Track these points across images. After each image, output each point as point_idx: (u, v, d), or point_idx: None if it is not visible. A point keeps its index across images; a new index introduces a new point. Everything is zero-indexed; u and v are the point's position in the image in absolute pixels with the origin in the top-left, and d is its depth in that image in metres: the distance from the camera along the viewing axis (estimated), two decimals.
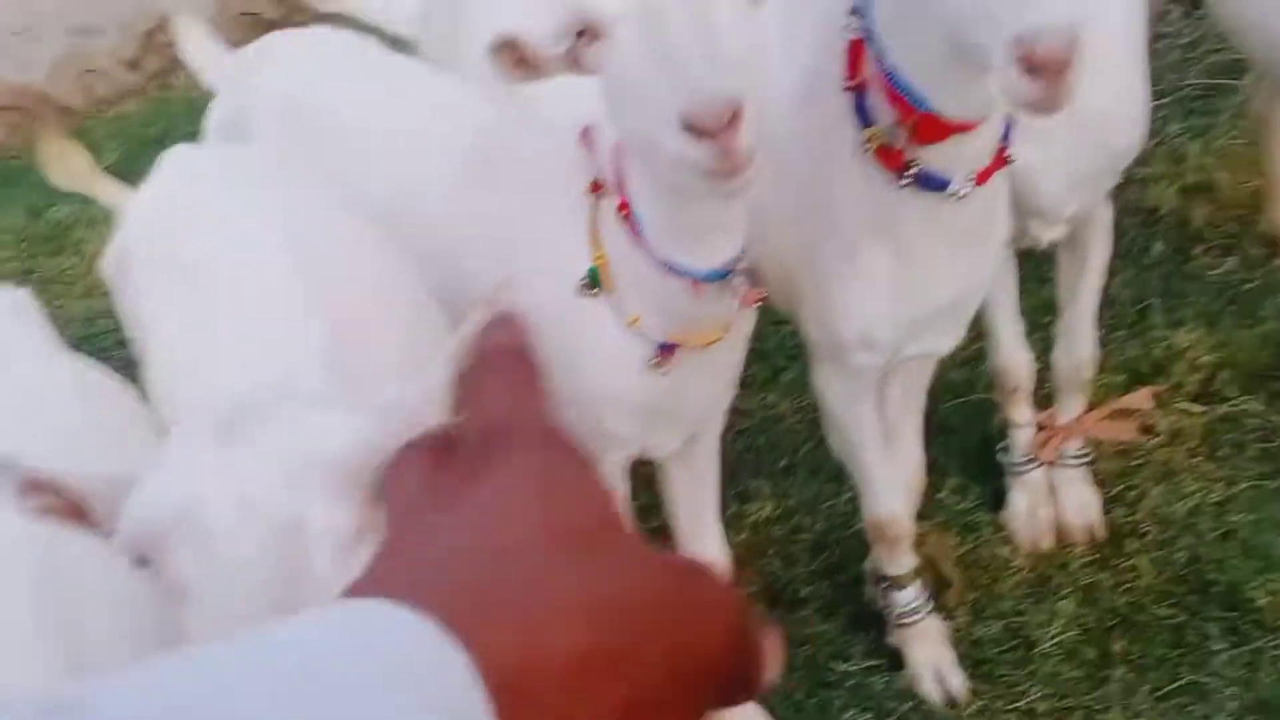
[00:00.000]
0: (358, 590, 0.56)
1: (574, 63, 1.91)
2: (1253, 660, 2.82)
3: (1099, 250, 2.90)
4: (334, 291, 2.05)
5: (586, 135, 2.17)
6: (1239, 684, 2.78)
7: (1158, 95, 4.13)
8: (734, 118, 1.72)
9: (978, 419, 3.38)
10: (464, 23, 2.76)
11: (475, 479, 0.60)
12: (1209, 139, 4.09)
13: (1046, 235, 2.73)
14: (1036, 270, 3.36)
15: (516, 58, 1.93)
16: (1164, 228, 3.86)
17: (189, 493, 1.39)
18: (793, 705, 2.89)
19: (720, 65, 1.76)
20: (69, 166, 2.88)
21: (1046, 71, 1.64)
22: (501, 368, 0.69)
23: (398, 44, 3.06)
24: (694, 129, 1.73)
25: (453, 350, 1.49)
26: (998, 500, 3.23)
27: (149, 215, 2.41)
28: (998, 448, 3.22)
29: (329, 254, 2.17)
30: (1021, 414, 3.09)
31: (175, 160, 2.49)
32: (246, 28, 5.31)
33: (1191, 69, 4.39)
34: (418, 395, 1.48)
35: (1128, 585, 3.02)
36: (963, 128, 2.01)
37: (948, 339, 2.49)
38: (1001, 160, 2.13)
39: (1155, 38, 4.40)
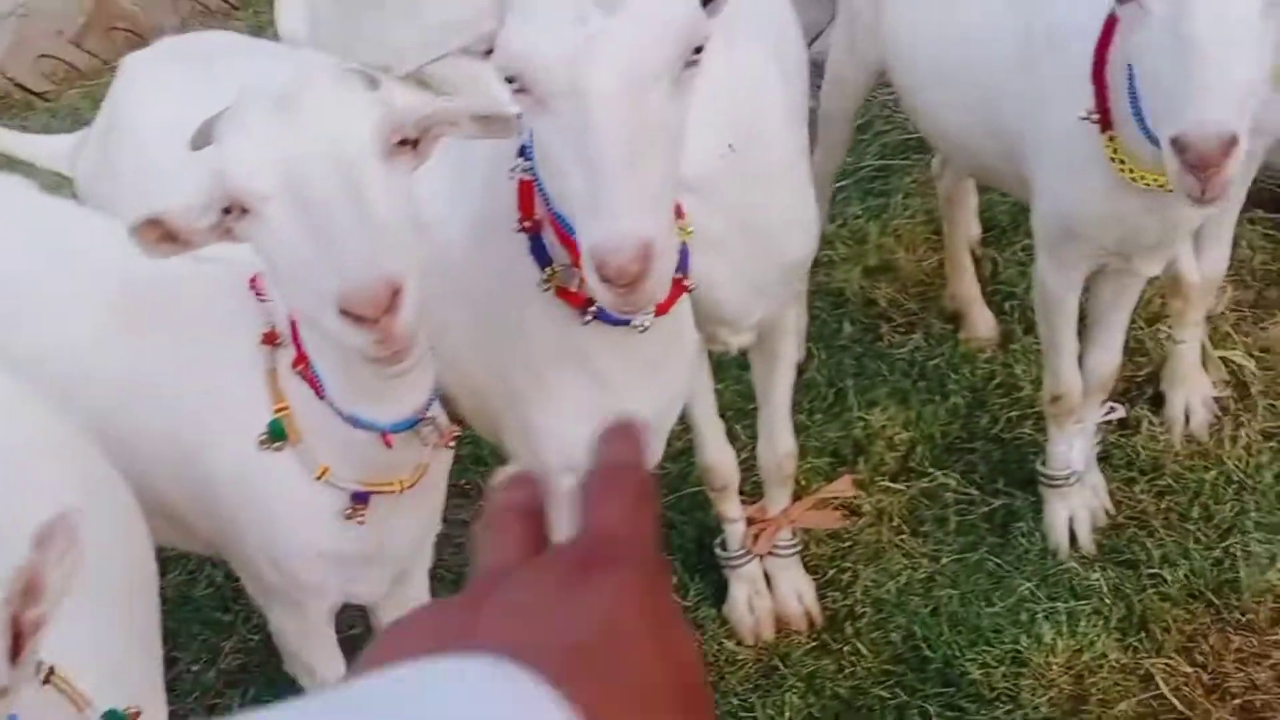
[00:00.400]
0: (479, 637, 0.65)
1: (226, 234, 1.83)
2: None
3: (788, 351, 2.97)
4: None
5: (255, 284, 2.10)
6: None
7: (838, 177, 4.31)
8: (393, 299, 1.69)
9: (694, 512, 3.41)
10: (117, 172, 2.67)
11: (586, 574, 0.69)
12: (886, 219, 4.27)
13: (736, 341, 2.77)
14: (737, 359, 3.43)
15: (161, 233, 1.85)
16: (852, 309, 4.00)
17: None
18: None
19: (377, 244, 1.71)
20: None
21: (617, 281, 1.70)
22: (618, 482, 0.79)
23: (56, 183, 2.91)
24: (351, 315, 1.69)
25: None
26: (720, 593, 3.25)
27: None
28: (715, 542, 3.25)
29: None
30: (731, 509, 3.13)
31: None
32: None
33: (867, 150, 4.58)
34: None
35: (849, 669, 3.08)
36: None
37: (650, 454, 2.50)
38: (680, 289, 2.15)
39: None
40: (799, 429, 3.53)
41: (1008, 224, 4.17)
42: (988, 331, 3.86)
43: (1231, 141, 2.06)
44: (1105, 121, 2.52)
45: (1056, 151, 2.70)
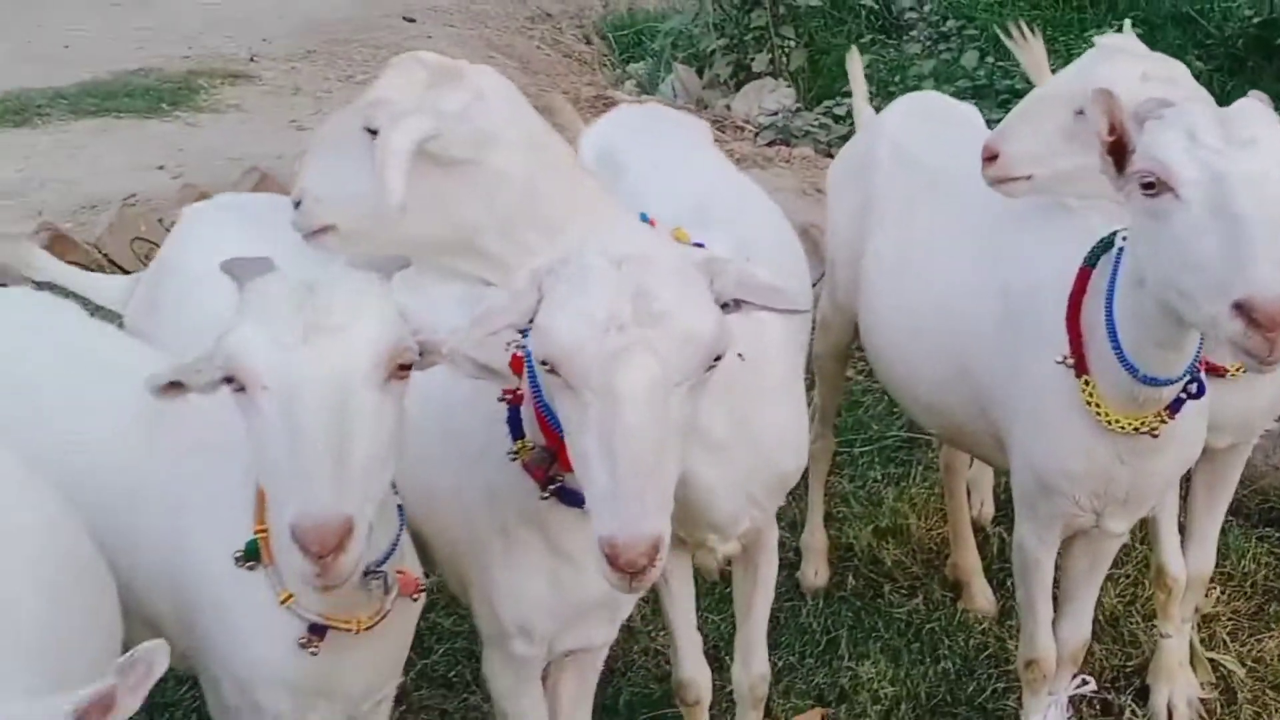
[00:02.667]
0: None
1: (219, 387, 2.04)
2: None
3: (767, 568, 3.11)
4: None
5: None
6: None
7: (863, 443, 4.51)
8: (342, 540, 1.86)
9: None
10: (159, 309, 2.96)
11: None
12: (904, 487, 4.44)
13: (722, 549, 2.93)
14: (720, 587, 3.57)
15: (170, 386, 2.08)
16: (858, 564, 4.14)
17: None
18: None
19: (342, 489, 1.89)
20: None
21: None
22: None
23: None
24: (301, 546, 1.86)
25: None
26: None
27: None
28: None
29: None
30: None
31: None
32: None
33: (895, 422, 4.79)
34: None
35: None
36: None
37: (602, 633, 2.65)
38: None
39: (863, 391, 4.83)
40: (788, 669, 3.65)
41: None
42: (986, 604, 3.97)
43: None
44: (1081, 366, 2.71)
45: (1032, 404, 2.89)
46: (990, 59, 8.72)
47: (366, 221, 2.38)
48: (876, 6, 9.99)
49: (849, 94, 8.40)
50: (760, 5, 9.62)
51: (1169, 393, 2.67)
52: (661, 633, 3.81)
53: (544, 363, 1.98)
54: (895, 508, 4.34)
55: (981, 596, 3.98)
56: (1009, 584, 4.02)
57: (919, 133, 3.59)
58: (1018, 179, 2.91)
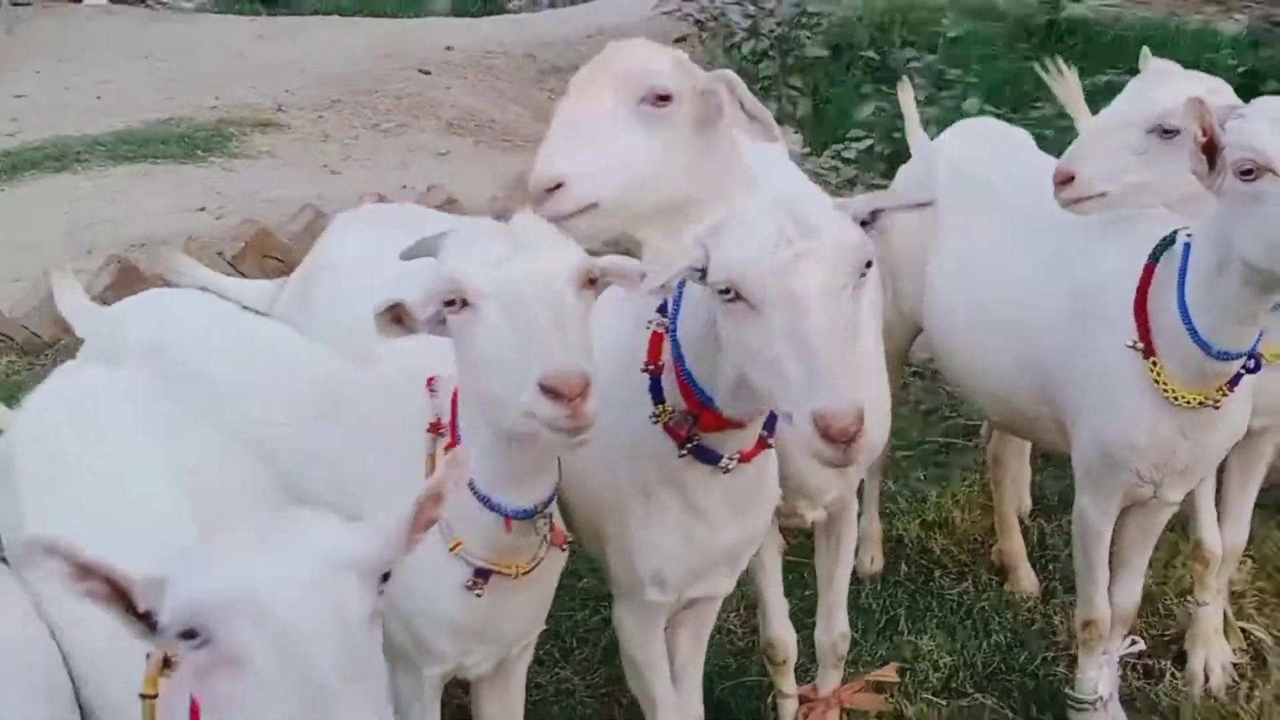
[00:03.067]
0: None
1: (439, 325, 2.36)
2: None
3: (848, 538, 3.46)
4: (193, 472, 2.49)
5: (431, 384, 2.64)
6: None
7: (904, 447, 4.85)
8: (585, 387, 2.18)
9: (750, 700, 3.80)
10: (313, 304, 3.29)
11: None
12: (945, 486, 4.79)
13: (811, 515, 3.26)
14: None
15: (394, 317, 2.38)
16: (909, 553, 4.48)
17: (243, 578, 1.78)
18: None
19: (571, 345, 2.23)
20: None
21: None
22: None
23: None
24: (551, 392, 2.17)
25: (420, 493, 1.99)
26: None
27: (36, 425, 2.74)
28: None
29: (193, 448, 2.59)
30: (788, 685, 3.53)
31: (62, 378, 2.86)
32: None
33: (933, 429, 5.15)
34: (396, 521, 1.96)
35: None
36: (738, 425, 2.60)
37: (725, 583, 2.97)
38: (763, 444, 2.70)
39: (900, 403, 5.18)
40: (852, 644, 3.95)
41: (1056, 503, 4.67)
42: (1030, 586, 4.30)
43: None
44: (1149, 349, 3.07)
45: (1101, 386, 3.24)
46: (988, 105, 9.15)
47: (630, 193, 2.70)
48: (877, 58, 10.44)
49: (855, 139, 8.95)
50: (769, 57, 10.09)
51: (1234, 366, 3.03)
52: (733, 613, 4.14)
53: (725, 291, 2.29)
54: (939, 503, 4.68)
55: (1027, 579, 4.32)
56: (1050, 567, 4.38)
57: (975, 153, 3.97)
58: (1093, 197, 3.28)
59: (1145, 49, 3.92)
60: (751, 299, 2.27)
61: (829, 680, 3.56)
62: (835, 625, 3.52)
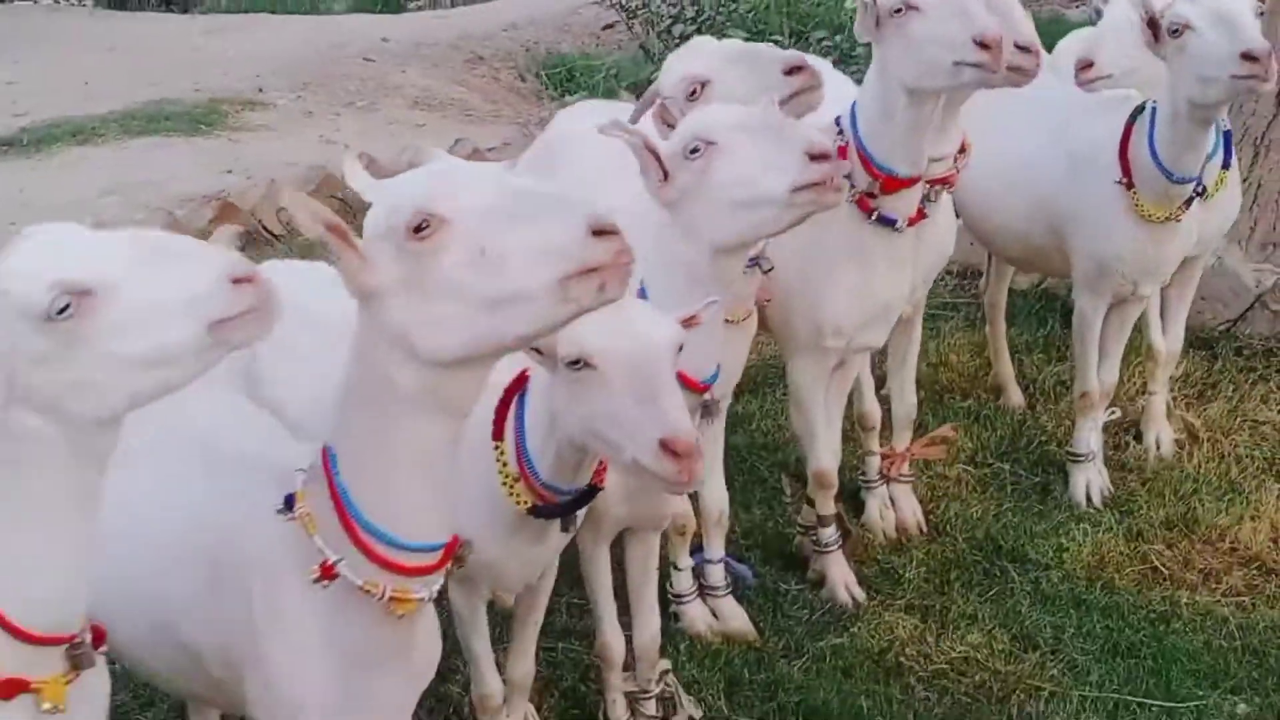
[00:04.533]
0: None
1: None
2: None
3: (918, 329, 4.87)
4: None
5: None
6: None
7: None
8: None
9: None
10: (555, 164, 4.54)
11: None
12: (940, 339, 6.24)
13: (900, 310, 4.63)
14: None
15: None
16: (920, 382, 5.89)
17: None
18: None
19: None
20: None
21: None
22: None
23: None
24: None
25: None
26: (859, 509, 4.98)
27: None
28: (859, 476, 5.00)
29: None
30: (873, 444, 4.91)
31: None
32: None
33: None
34: None
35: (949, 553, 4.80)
36: (910, 182, 3.95)
37: (880, 336, 4.32)
38: (921, 215, 4.07)
39: None
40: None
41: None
42: (1018, 401, 5.77)
43: None
44: (1129, 184, 4.54)
45: (1095, 214, 4.70)
46: None
47: None
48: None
49: None
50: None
51: (1188, 190, 4.52)
52: None
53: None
54: (938, 349, 6.14)
55: (1014, 396, 5.79)
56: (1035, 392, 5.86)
57: None
58: (1105, 77, 4.72)
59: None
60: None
61: (902, 439, 4.95)
62: (907, 398, 4.92)
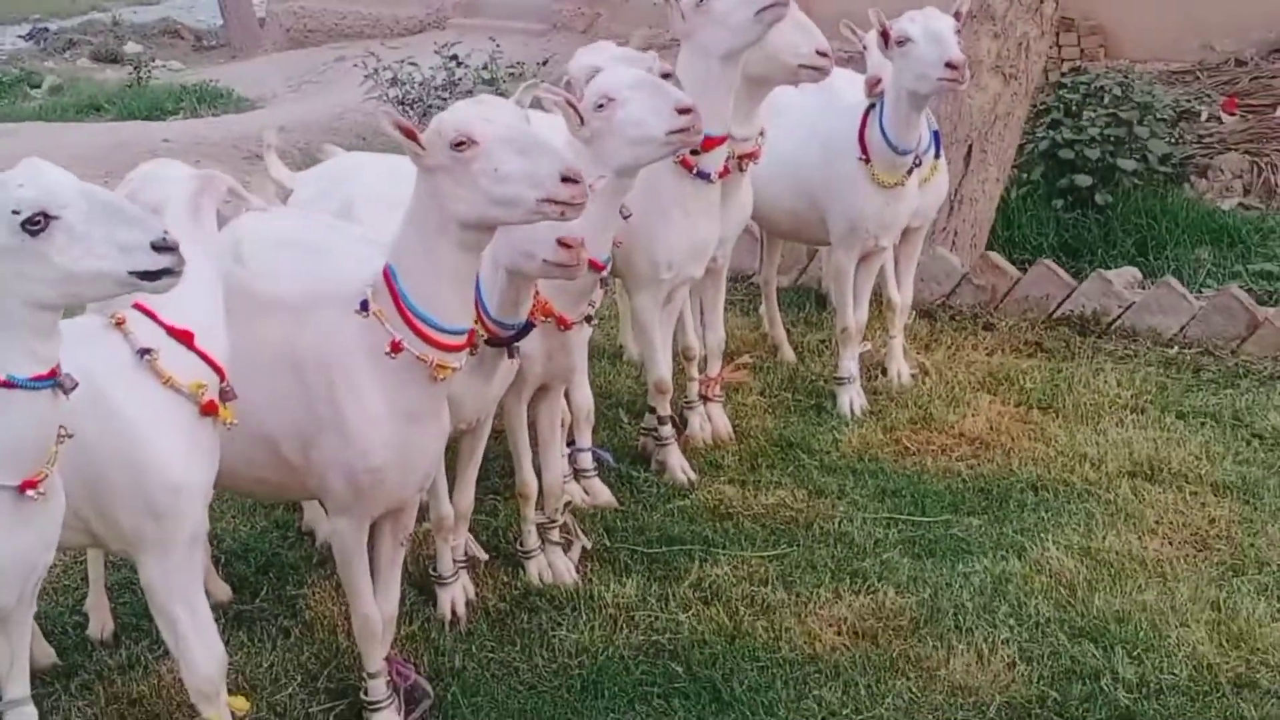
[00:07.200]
0: None
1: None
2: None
3: (723, 279, 6.49)
4: None
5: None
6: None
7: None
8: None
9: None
10: None
11: None
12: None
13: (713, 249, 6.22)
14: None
15: None
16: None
17: None
18: None
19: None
20: None
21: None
22: None
23: None
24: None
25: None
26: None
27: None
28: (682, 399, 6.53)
29: None
30: (693, 371, 6.47)
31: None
32: None
33: None
34: None
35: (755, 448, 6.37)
36: (720, 140, 5.54)
37: (698, 268, 5.88)
38: (727, 171, 5.67)
39: None
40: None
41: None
42: (790, 357, 7.48)
43: None
44: (867, 159, 6.30)
45: (842, 187, 6.46)
46: None
47: None
48: None
49: None
50: None
51: (909, 160, 6.32)
52: None
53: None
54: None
55: (788, 353, 7.47)
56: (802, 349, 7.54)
57: None
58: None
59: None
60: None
61: (714, 367, 6.52)
62: (718, 333, 6.50)
